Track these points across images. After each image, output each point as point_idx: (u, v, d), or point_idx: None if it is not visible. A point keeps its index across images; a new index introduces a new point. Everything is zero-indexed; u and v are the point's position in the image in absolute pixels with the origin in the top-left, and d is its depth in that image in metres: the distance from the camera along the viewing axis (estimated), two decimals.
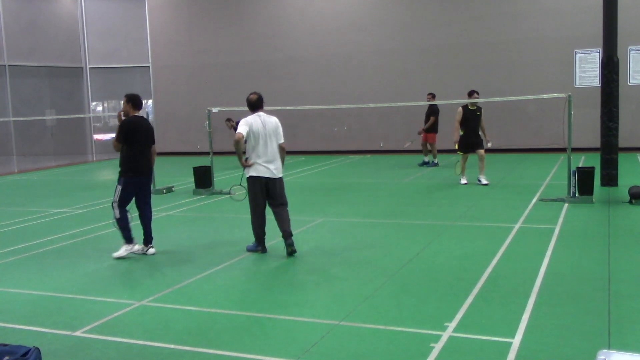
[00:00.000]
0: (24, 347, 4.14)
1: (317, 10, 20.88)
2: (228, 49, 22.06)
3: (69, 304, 5.86)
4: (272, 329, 5.03)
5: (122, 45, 23.45)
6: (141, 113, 7.85)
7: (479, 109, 12.20)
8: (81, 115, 22.36)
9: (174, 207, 11.06)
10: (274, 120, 7.44)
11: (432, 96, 15.90)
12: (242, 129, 7.18)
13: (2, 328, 5.26)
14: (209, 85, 22.16)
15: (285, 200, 7.54)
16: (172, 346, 4.70)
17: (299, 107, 18.40)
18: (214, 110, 13.00)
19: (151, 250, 7.73)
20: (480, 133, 12.30)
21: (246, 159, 7.33)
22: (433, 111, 15.84)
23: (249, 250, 7.65)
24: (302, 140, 21.19)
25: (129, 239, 7.62)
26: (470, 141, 12.16)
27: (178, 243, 8.33)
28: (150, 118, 22.60)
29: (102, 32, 23.25)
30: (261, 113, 7.40)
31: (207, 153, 13.10)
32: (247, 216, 8.59)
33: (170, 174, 15.93)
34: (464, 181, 12.42)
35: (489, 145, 12.46)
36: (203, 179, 12.53)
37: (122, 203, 7.54)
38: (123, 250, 7.59)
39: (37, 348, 4.17)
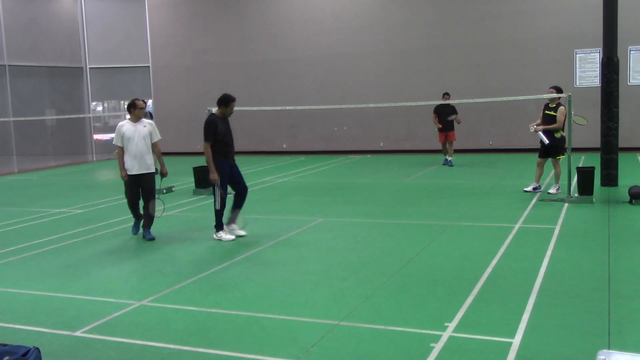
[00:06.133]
0: (24, 347, 4.14)
1: (317, 10, 20.88)
2: (228, 49, 22.06)
3: (69, 304, 5.86)
4: (272, 329, 5.02)
5: (122, 45, 23.44)
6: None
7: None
8: (81, 115, 22.36)
9: (174, 207, 11.06)
10: None
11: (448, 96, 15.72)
12: None
13: (2, 328, 5.26)
14: (209, 85, 22.15)
15: None
16: (172, 346, 4.70)
17: (299, 107, 18.40)
18: (214, 110, 12.95)
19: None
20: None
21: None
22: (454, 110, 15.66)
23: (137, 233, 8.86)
24: (302, 140, 21.18)
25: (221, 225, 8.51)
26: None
27: (178, 243, 8.33)
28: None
29: (102, 32, 23.25)
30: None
31: None
32: (248, 217, 8.61)
33: (170, 174, 15.77)
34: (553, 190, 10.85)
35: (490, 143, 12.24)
36: (203, 179, 12.51)
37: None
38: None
39: (37, 348, 4.17)
